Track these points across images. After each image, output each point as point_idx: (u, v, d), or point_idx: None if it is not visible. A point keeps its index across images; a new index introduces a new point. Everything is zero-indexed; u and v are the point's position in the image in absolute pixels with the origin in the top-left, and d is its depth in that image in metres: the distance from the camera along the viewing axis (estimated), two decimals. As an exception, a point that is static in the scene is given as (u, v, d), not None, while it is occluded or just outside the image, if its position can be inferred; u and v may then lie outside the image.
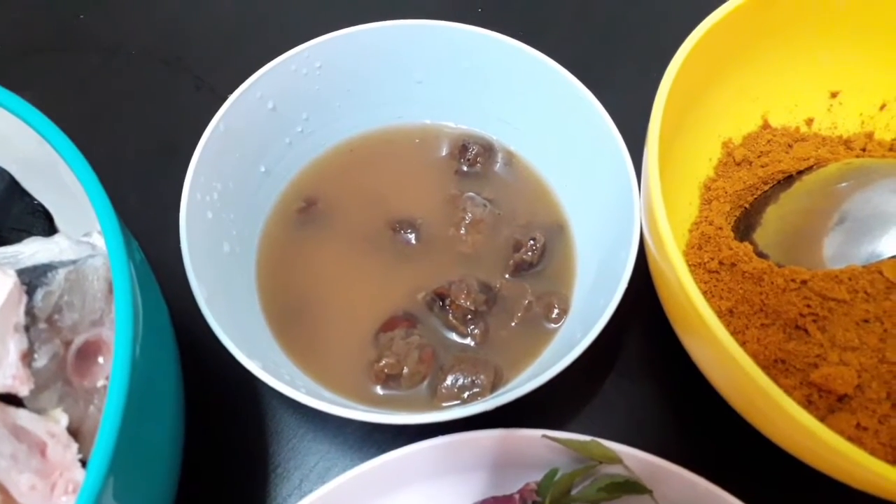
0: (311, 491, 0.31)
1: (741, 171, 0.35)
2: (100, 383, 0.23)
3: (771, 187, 0.35)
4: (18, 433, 0.21)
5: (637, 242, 0.30)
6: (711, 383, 0.29)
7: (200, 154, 0.32)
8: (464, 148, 0.38)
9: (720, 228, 0.33)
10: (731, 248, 0.32)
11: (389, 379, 0.31)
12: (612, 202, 0.33)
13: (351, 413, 0.27)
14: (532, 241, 0.35)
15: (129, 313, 0.21)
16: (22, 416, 0.21)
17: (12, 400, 0.22)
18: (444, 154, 0.38)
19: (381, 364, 0.32)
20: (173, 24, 0.48)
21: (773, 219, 0.33)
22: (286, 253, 0.36)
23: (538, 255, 0.35)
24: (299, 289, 0.34)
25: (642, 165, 0.30)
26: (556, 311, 0.33)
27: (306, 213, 0.36)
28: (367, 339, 0.33)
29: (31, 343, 0.22)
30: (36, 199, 0.31)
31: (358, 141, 0.38)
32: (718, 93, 0.35)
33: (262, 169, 0.36)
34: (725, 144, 0.36)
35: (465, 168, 0.38)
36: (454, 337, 0.33)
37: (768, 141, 0.36)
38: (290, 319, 0.33)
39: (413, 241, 0.35)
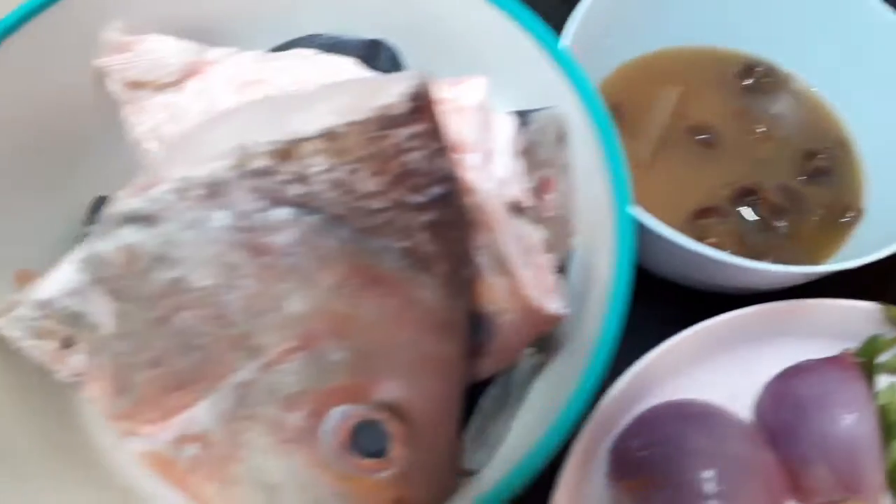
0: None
1: None
2: (545, 215, 0.28)
3: None
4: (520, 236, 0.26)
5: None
6: None
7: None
8: (750, 68, 0.42)
9: None
10: None
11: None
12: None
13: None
14: (824, 150, 0.39)
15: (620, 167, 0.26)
16: (520, 224, 0.26)
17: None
18: (731, 73, 0.42)
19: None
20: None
21: None
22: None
23: (830, 164, 0.39)
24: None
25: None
26: (850, 214, 0.37)
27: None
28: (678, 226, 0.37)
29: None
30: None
31: (654, 56, 0.43)
32: None
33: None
34: None
35: (751, 86, 0.42)
36: (760, 230, 0.38)
37: None
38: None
39: (710, 145, 0.40)
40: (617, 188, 0.25)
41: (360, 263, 0.23)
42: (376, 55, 0.33)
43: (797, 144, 0.40)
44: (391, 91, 0.20)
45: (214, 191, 0.21)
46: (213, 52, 0.31)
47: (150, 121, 0.31)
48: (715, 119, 0.40)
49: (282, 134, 0.20)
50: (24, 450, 0.28)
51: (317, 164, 0.21)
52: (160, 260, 0.22)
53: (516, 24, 0.29)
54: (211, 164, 0.21)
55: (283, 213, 0.22)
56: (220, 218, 0.21)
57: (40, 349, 0.27)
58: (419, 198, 0.22)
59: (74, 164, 0.32)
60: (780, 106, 0.41)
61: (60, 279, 0.24)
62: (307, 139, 0.20)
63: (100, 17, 0.31)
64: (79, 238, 0.32)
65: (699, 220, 0.37)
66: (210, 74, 0.31)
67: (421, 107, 0.20)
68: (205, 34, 0.33)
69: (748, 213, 0.38)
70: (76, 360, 0.27)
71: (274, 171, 0.21)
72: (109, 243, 0.22)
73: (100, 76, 0.31)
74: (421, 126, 0.20)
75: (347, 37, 0.33)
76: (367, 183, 0.21)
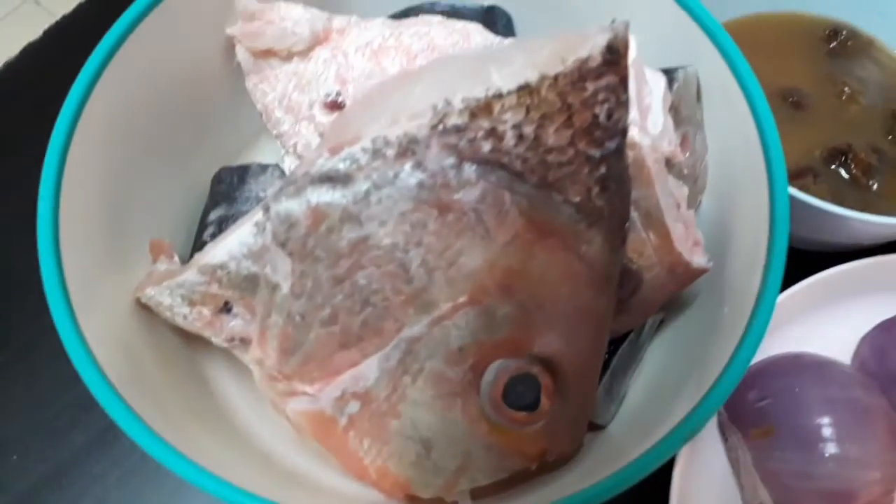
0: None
1: None
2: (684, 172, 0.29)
3: None
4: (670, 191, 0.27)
5: None
6: None
7: None
8: (835, 32, 0.43)
9: None
10: None
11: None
12: None
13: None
14: (913, 112, 0.40)
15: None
16: (670, 179, 0.27)
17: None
18: (817, 37, 0.43)
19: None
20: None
21: None
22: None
23: (918, 124, 0.40)
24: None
25: None
26: (940, 170, 0.39)
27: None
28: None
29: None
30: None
31: (744, 21, 0.43)
32: None
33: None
34: None
35: (836, 50, 0.43)
36: (854, 189, 0.39)
37: None
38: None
39: (801, 108, 0.41)
40: (769, 145, 0.26)
41: (536, 218, 0.23)
42: (493, 21, 0.33)
43: (883, 106, 0.41)
44: (590, 43, 0.20)
45: (408, 149, 0.22)
46: (339, 20, 0.32)
47: (278, 90, 0.31)
48: (804, 82, 0.41)
49: (481, 90, 0.21)
50: (175, 415, 0.29)
51: (510, 120, 0.21)
52: (349, 219, 0.23)
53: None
54: (408, 122, 0.21)
55: (470, 169, 0.22)
56: (411, 176, 0.22)
57: (194, 316, 0.28)
58: (597, 151, 0.23)
59: (200, 135, 0.33)
60: (865, 69, 0.42)
61: (238, 242, 0.24)
62: (506, 94, 0.21)
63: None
64: (208, 209, 0.33)
65: (796, 181, 0.38)
66: (337, 42, 0.31)
67: (615, 59, 0.21)
68: (320, 2, 0.33)
69: (842, 172, 0.39)
70: (232, 325, 0.28)
71: (468, 127, 0.21)
72: (297, 204, 0.23)
73: (228, 47, 0.32)
74: (613, 78, 0.21)
75: (462, 4, 0.34)
76: (554, 137, 0.22)
